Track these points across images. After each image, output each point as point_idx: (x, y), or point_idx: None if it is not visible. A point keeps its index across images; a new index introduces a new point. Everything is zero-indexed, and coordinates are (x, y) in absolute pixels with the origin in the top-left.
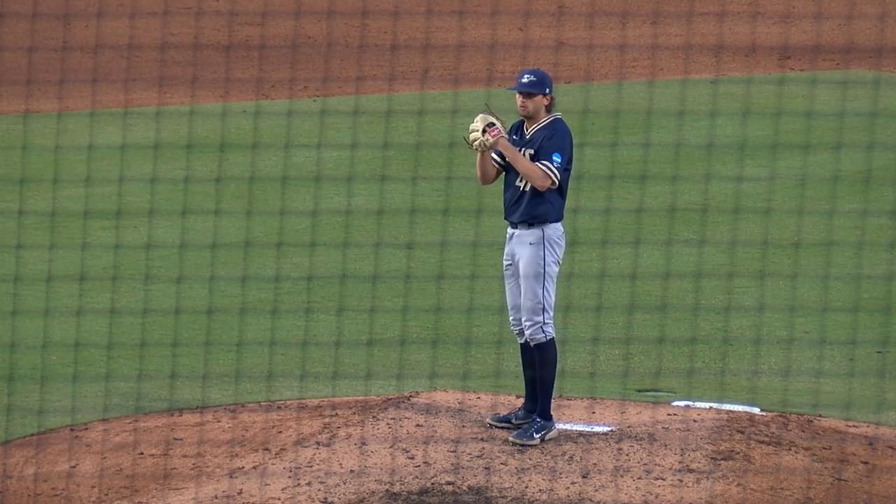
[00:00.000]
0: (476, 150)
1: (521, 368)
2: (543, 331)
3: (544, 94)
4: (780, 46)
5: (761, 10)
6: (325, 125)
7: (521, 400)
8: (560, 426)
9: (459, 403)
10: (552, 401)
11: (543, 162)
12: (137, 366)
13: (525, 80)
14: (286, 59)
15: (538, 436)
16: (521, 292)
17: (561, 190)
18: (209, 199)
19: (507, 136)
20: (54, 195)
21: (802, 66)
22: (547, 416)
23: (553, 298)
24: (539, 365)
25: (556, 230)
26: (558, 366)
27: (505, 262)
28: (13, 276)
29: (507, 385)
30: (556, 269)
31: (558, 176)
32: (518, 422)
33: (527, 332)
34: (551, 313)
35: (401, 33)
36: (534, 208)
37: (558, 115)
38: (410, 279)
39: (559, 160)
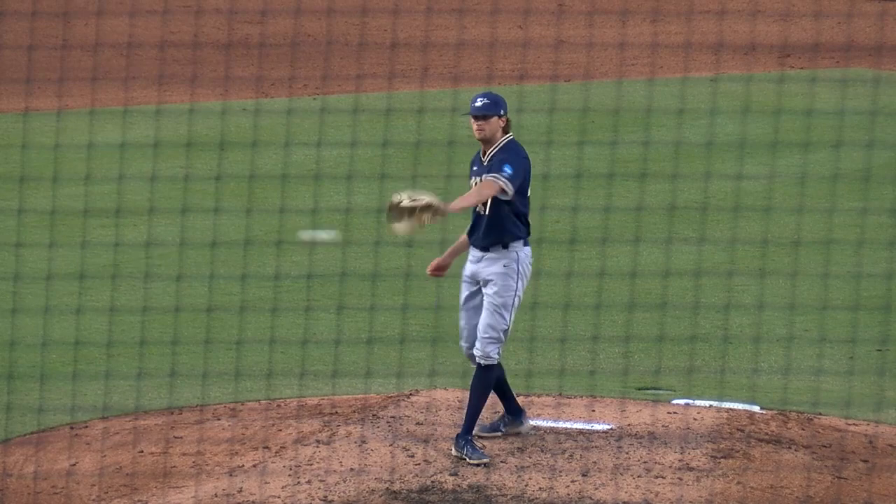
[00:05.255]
0: (422, 226)
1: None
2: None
3: (499, 116)
4: (780, 44)
5: (761, 8)
6: (325, 123)
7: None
8: (560, 424)
9: (459, 402)
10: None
11: (492, 174)
12: (137, 364)
13: (479, 103)
14: (286, 57)
15: (472, 460)
16: (481, 316)
17: (518, 214)
18: (209, 198)
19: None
20: (54, 193)
21: (802, 64)
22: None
23: (511, 326)
24: (476, 385)
25: (526, 255)
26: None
27: (467, 287)
28: (13, 275)
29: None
30: (521, 299)
31: (508, 184)
32: (508, 429)
33: (480, 348)
34: (505, 340)
35: (400, 31)
36: (499, 230)
37: (511, 135)
38: (410, 277)
39: (509, 171)
